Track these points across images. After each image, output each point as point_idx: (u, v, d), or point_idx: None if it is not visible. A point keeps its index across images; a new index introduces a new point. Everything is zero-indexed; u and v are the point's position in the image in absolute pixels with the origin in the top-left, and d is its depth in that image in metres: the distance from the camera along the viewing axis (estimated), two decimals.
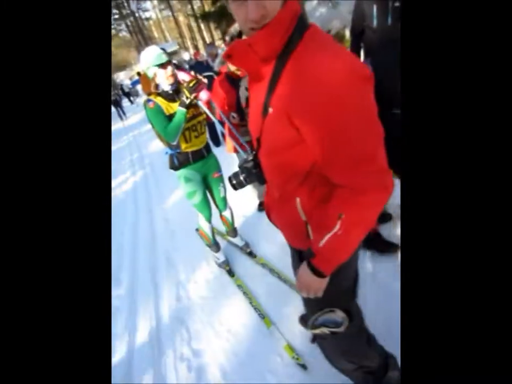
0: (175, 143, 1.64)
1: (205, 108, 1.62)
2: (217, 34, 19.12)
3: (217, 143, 4.55)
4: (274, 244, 2.20)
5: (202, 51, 13.33)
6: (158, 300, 2.12)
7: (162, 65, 1.57)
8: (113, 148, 7.32)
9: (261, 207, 2.63)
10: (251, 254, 2.17)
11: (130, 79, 17.33)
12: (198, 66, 4.64)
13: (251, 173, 0.79)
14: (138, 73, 9.55)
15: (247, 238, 2.32)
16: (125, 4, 25.91)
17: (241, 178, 0.82)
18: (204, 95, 1.48)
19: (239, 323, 1.72)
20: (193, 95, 1.54)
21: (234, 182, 0.84)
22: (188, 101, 1.54)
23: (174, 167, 1.83)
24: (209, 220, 2.01)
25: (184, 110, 1.55)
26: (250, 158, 0.77)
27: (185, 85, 1.60)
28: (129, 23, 28.44)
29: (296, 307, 1.66)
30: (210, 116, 1.65)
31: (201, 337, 1.73)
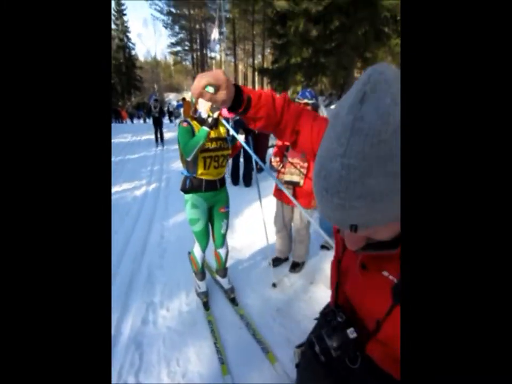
0: (189, 158, 1.72)
1: (244, 143, 1.72)
2: (267, 88, 20.93)
3: (236, 182, 4.67)
4: (260, 299, 2.11)
5: None
6: (124, 314, 1.99)
7: None
8: (140, 154, 7.61)
9: (276, 262, 2.49)
10: (233, 301, 2.07)
11: (177, 101, 18.75)
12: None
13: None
14: (183, 99, 10.39)
15: (235, 283, 2.24)
16: (197, 40, 29.22)
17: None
18: (225, 110, 1.59)
19: (196, 371, 1.58)
20: (216, 113, 1.67)
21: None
22: (210, 120, 1.68)
23: (185, 190, 1.86)
24: (203, 250, 1.98)
25: (206, 129, 1.67)
26: (354, 335, 0.63)
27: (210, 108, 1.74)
28: (194, 56, 31.72)
29: (261, 373, 1.53)
30: (248, 149, 1.72)
31: (153, 371, 1.58)
